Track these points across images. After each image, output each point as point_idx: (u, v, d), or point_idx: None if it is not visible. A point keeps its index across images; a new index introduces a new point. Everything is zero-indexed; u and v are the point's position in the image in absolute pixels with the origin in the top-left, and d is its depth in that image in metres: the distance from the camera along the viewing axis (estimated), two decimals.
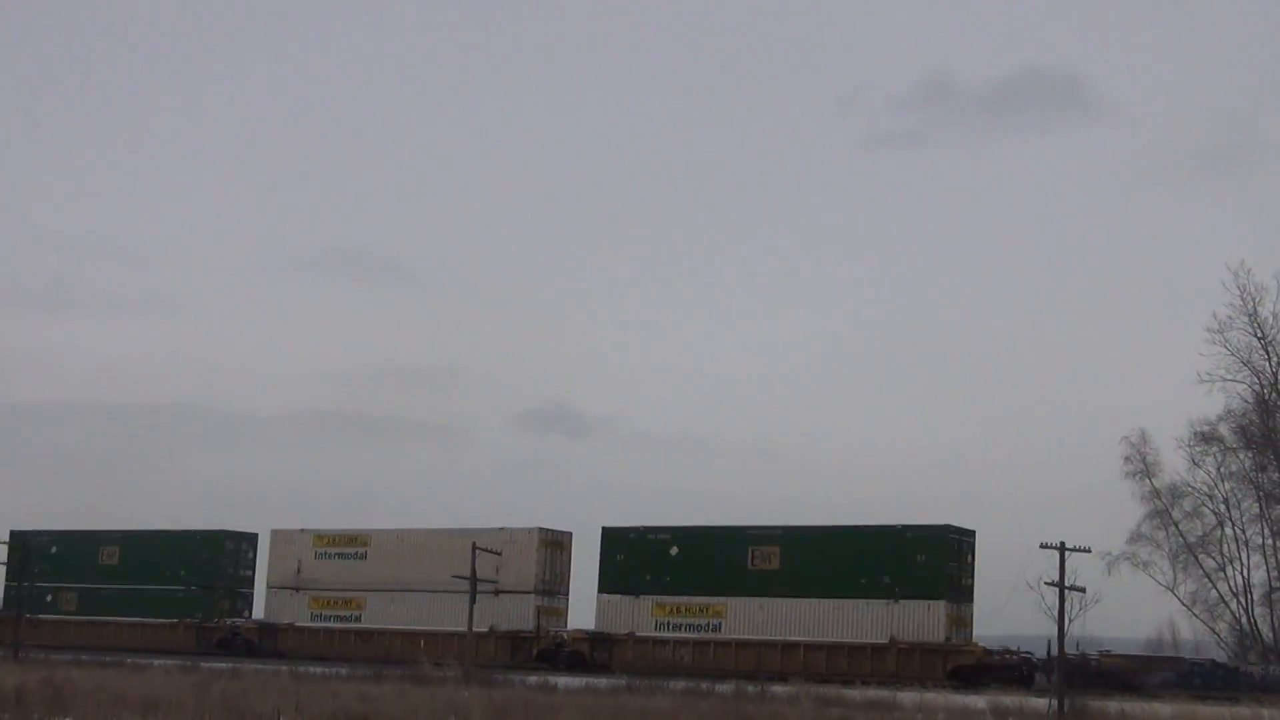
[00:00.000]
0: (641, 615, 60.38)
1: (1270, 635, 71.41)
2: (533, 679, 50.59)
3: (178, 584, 70.87)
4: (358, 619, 67.34)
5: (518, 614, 63.28)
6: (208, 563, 72.11)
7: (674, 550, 60.70)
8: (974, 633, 56.29)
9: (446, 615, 62.95)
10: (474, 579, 55.88)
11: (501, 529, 64.20)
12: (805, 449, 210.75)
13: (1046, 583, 44.65)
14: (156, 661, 55.62)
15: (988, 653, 54.75)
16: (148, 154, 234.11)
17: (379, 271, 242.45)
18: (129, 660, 57.71)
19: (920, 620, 55.39)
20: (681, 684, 47.68)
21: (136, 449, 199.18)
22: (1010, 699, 42.99)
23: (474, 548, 57.01)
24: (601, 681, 49.65)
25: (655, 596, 60.19)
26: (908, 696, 44.20)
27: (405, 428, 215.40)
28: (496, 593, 62.27)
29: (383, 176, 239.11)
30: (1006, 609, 46.13)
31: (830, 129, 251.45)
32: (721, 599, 58.70)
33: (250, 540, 73.69)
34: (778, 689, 46.28)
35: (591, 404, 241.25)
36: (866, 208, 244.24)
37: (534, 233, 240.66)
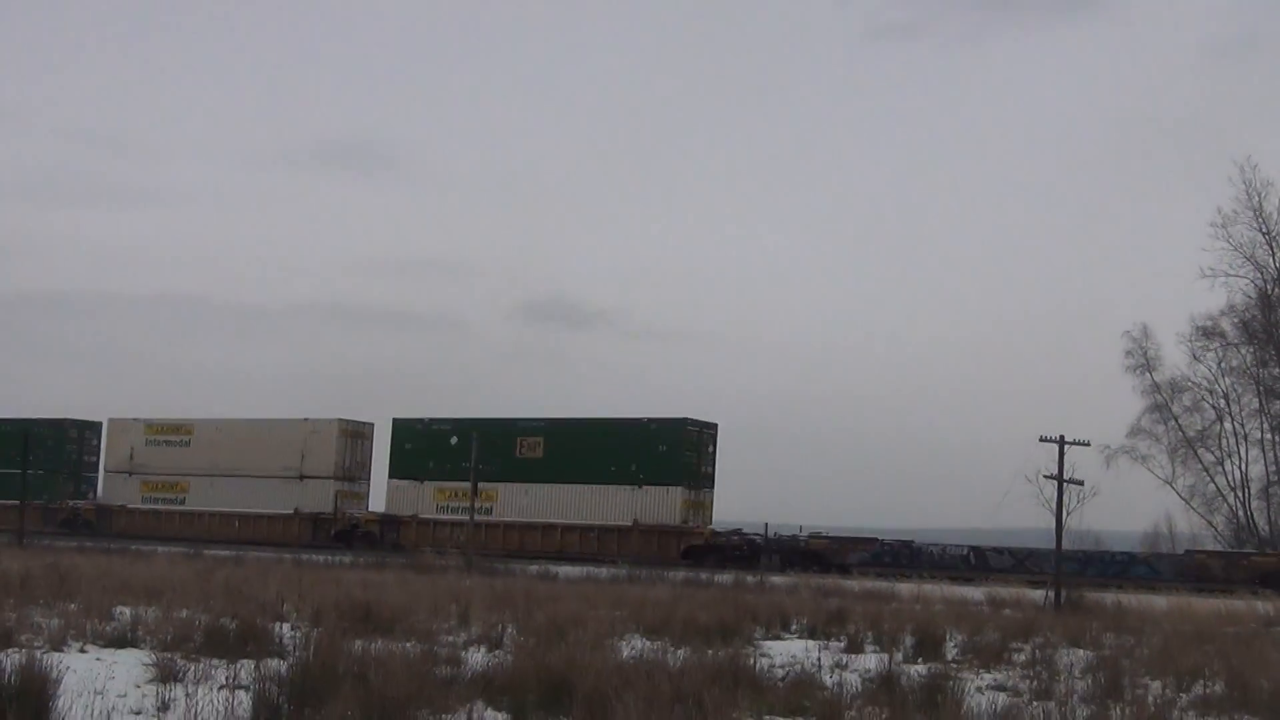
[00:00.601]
0: (425, 499, 66.21)
1: (1267, 528, 71.91)
2: (533, 568, 51.03)
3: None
4: (182, 502, 73.51)
5: (320, 498, 68.96)
6: (53, 449, 77.28)
7: (453, 440, 65.02)
8: (714, 516, 62.34)
9: (259, 499, 70.02)
10: None
11: (305, 420, 70.63)
12: (807, 343, 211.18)
13: (1045, 476, 44.82)
14: (162, 549, 56.15)
15: (716, 534, 61.18)
16: (149, 45, 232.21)
17: (379, 164, 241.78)
18: (133, 547, 58.30)
19: (659, 505, 61.43)
20: (681, 574, 48.10)
21: (136, 339, 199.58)
22: (1006, 590, 43.31)
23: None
24: (602, 570, 50.10)
25: (436, 482, 65.59)
26: (905, 587, 44.56)
27: (405, 320, 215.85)
28: (301, 478, 69.18)
29: (384, 69, 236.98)
30: (1005, 502, 46.29)
31: (829, 20, 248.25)
32: (493, 485, 62.48)
33: (95, 429, 78.99)
34: (777, 580, 46.64)
35: (591, 296, 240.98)
36: (866, 102, 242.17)
37: (534, 128, 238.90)
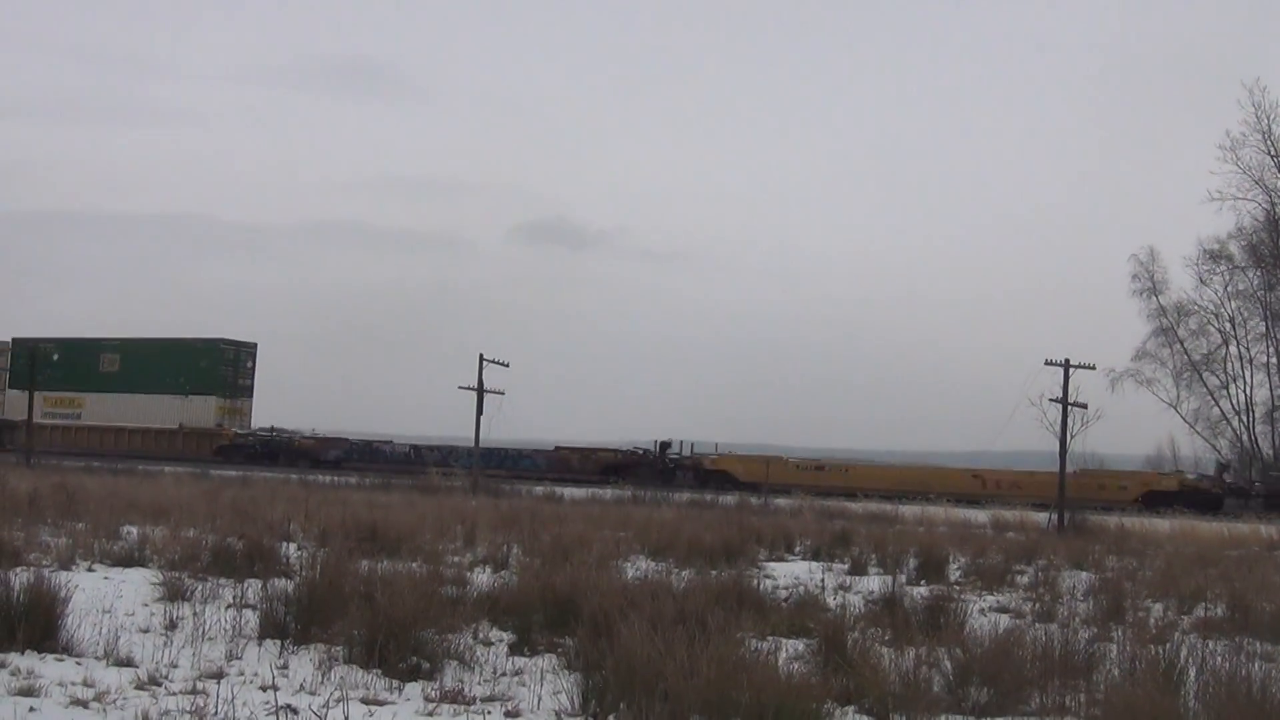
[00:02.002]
0: (37, 407, 72.86)
1: (1270, 453, 72.00)
2: (539, 489, 51.27)
3: None
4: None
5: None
6: None
7: (55, 356, 78.39)
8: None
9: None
10: None
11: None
12: (811, 264, 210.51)
13: (1050, 399, 44.90)
14: (168, 469, 56.39)
15: (238, 435, 76.07)
16: None
17: (382, 84, 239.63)
18: (140, 468, 58.55)
19: (200, 411, 77.41)
20: (686, 495, 48.34)
21: (142, 258, 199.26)
22: (1011, 513, 43.49)
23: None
24: (607, 493, 50.34)
25: (44, 392, 75.07)
26: (910, 510, 44.74)
27: (407, 238, 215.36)
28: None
29: None
30: (1010, 424, 46.42)
31: None
32: (82, 394, 79.90)
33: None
34: (781, 502, 46.84)
35: (591, 217, 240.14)
36: (869, 25, 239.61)
37: (537, 48, 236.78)
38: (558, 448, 72.53)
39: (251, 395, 79.90)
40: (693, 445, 68.35)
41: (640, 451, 68.80)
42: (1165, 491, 57.63)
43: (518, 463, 69.16)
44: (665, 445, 68.31)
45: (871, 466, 66.30)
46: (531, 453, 71.15)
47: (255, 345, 79.66)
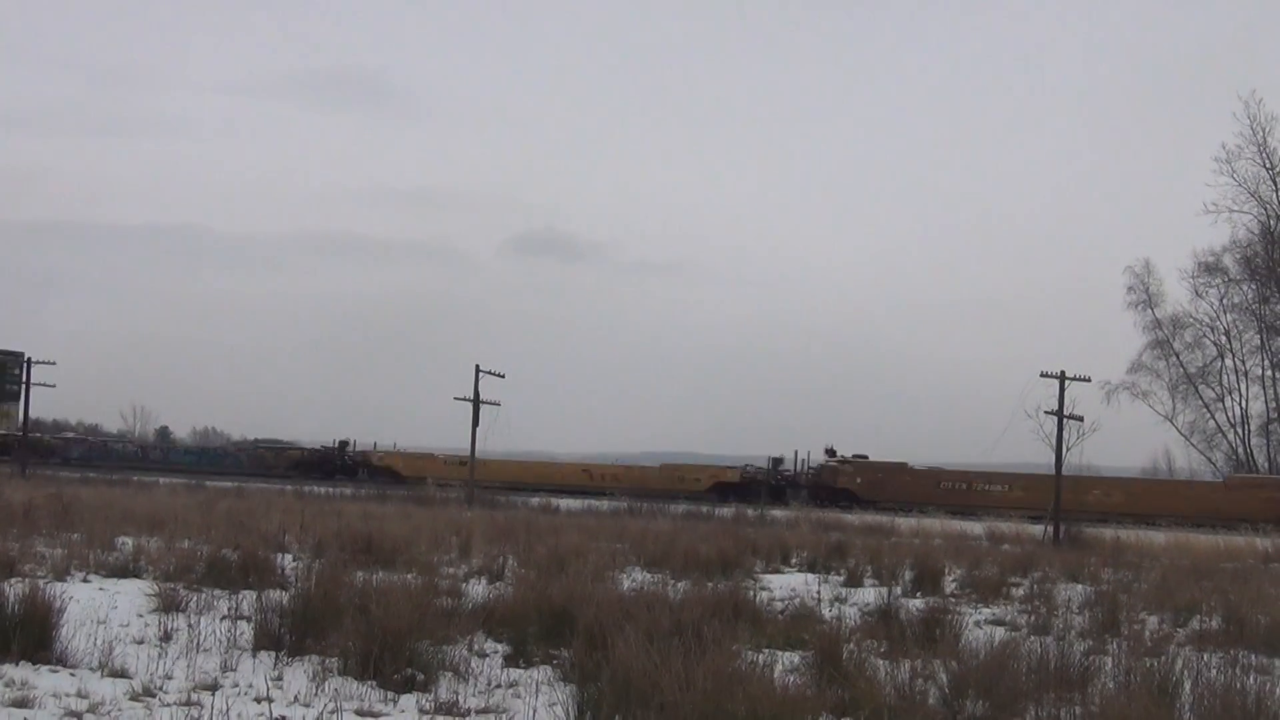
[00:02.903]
0: None
1: (1266, 465, 72.05)
2: (535, 500, 51.23)
3: None
4: None
5: None
6: None
7: None
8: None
9: None
10: None
11: None
12: (805, 275, 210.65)
13: (1045, 412, 44.90)
14: (163, 480, 56.36)
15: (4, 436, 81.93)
16: None
17: (375, 95, 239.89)
18: (135, 479, 58.56)
19: None
20: (682, 508, 48.33)
21: (134, 268, 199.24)
22: (1006, 525, 43.50)
23: None
24: (603, 504, 50.32)
25: None
26: (905, 522, 44.72)
27: (400, 250, 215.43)
28: None
29: (381, 1, 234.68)
30: (1006, 436, 46.45)
31: None
32: None
33: None
34: (777, 513, 46.83)
35: (584, 228, 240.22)
36: (862, 37, 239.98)
37: (530, 60, 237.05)
38: (257, 444, 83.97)
39: (18, 400, 78.99)
40: (375, 443, 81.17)
41: (326, 449, 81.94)
42: (729, 483, 67.27)
43: (220, 460, 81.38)
44: (344, 444, 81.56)
45: (505, 462, 75.27)
46: (234, 449, 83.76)
47: (23, 354, 77.93)
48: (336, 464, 79.31)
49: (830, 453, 65.43)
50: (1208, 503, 57.13)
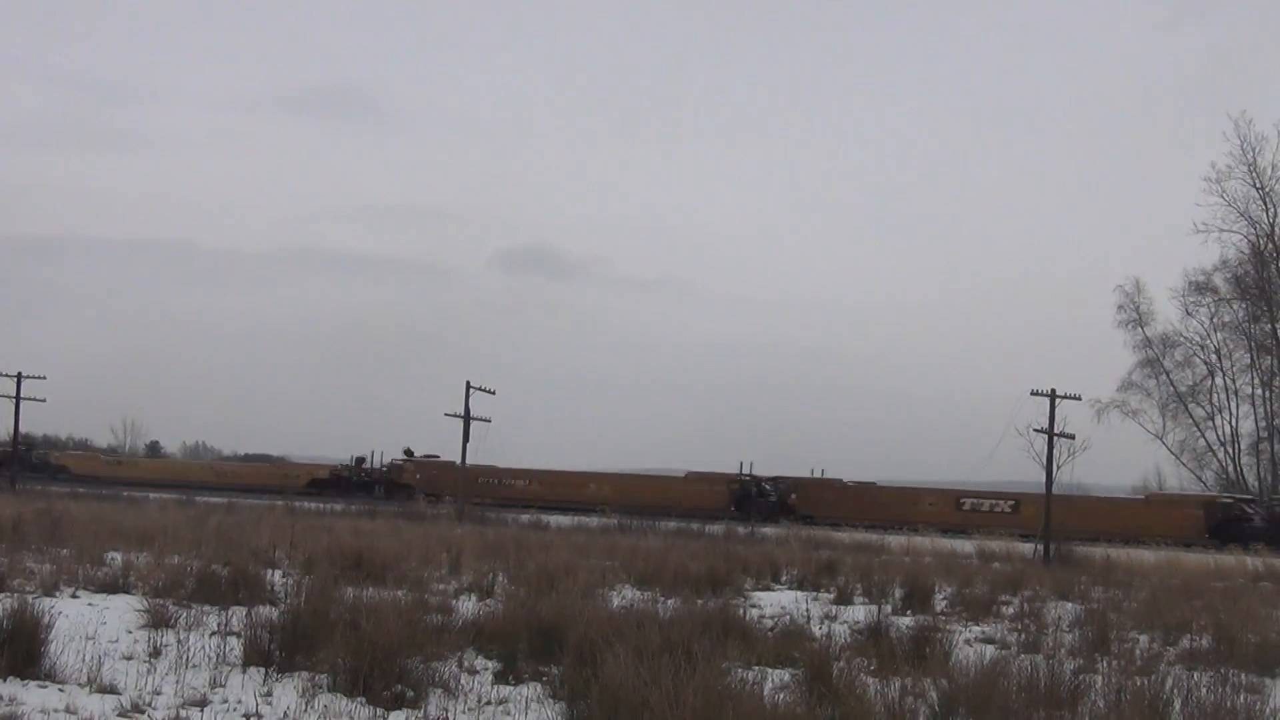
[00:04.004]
0: None
1: (1256, 484, 72.13)
2: (525, 517, 51.18)
3: None
4: None
5: None
6: None
7: None
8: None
9: None
10: None
11: None
12: (790, 293, 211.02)
13: (1036, 430, 44.96)
14: (153, 495, 56.25)
15: None
16: None
17: (362, 111, 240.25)
18: (125, 494, 58.42)
19: None
20: (672, 524, 48.31)
21: (120, 284, 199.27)
22: (995, 544, 43.53)
23: None
24: (592, 520, 50.29)
25: None
26: (896, 540, 44.78)
27: (387, 265, 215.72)
28: None
29: (367, 15, 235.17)
30: (996, 454, 46.49)
31: None
32: None
33: None
34: (768, 530, 46.81)
35: (572, 245, 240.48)
36: (846, 54, 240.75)
37: (518, 76, 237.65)
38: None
39: None
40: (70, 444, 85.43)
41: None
42: (322, 479, 75.86)
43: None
44: (30, 445, 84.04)
45: (157, 461, 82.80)
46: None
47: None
48: (28, 464, 79.95)
49: (408, 453, 75.42)
50: (1128, 519, 57.50)
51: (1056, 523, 51.43)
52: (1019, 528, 52.88)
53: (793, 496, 64.89)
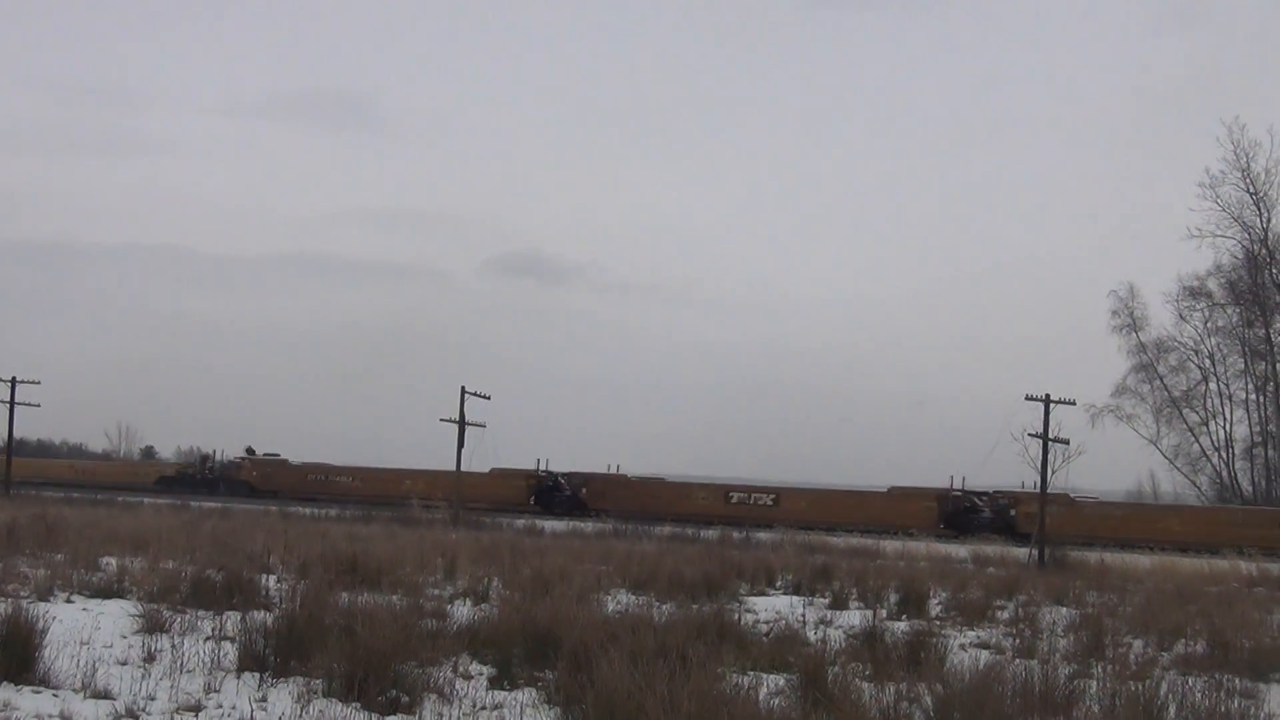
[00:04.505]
0: None
1: (1250, 489, 72.19)
2: (520, 522, 51.17)
3: None
4: None
5: None
6: None
7: None
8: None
9: None
10: None
11: None
12: (784, 298, 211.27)
13: (1030, 434, 44.98)
14: (148, 500, 56.20)
15: None
16: None
17: (356, 116, 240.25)
18: (120, 499, 58.40)
19: None
20: (668, 529, 48.32)
21: (115, 289, 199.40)
22: (991, 549, 43.55)
23: None
24: (588, 525, 50.30)
25: None
26: (891, 545, 44.80)
27: (380, 271, 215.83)
28: None
29: (362, 21, 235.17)
30: (991, 459, 46.52)
31: None
32: None
33: None
34: (763, 535, 46.82)
35: (565, 250, 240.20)
36: (834, 60, 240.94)
37: (510, 81, 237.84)
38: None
39: None
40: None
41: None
42: (170, 476, 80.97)
43: None
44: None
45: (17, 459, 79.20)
46: None
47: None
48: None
49: (250, 451, 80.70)
50: (872, 511, 61.91)
51: (809, 515, 60.46)
52: (778, 519, 58.27)
53: (583, 490, 69.30)
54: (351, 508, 58.50)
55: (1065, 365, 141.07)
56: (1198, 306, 74.78)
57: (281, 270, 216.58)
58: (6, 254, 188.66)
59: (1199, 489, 73.63)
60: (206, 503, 56.87)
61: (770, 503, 65.01)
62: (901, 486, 64.21)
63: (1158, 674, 13.63)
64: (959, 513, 60.52)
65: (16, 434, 70.11)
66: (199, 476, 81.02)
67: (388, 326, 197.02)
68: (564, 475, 70.95)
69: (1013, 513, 58.80)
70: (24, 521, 30.36)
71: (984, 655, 15.79)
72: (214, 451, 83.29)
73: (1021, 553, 43.15)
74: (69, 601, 17.88)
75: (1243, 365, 74.53)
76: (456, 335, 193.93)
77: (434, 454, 72.46)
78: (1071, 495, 57.24)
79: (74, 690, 11.27)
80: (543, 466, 71.35)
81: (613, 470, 70.05)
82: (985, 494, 61.40)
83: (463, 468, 58.08)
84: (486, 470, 67.00)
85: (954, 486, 61.63)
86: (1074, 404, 46.66)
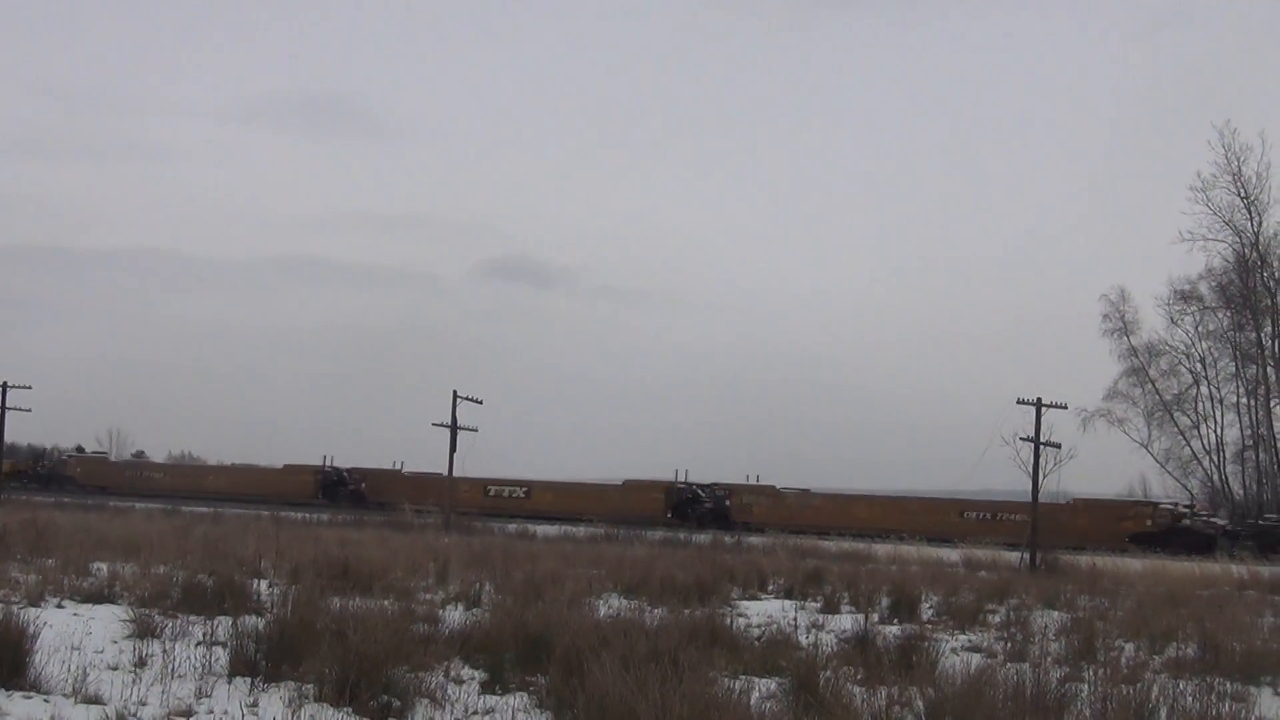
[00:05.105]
0: None
1: (1241, 493, 72.27)
2: (511, 527, 51.15)
3: None
4: None
5: None
6: None
7: None
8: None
9: None
10: None
11: None
12: (774, 302, 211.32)
13: (1022, 438, 45.02)
14: (138, 505, 56.15)
15: None
16: (119, 1, 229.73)
17: (347, 120, 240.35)
18: (110, 504, 58.33)
19: None
20: (660, 534, 48.30)
21: (108, 293, 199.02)
22: (982, 552, 43.58)
23: None
24: (580, 530, 50.28)
25: None
26: (882, 548, 44.82)
27: (371, 274, 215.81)
28: None
29: (354, 25, 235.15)
30: (982, 463, 46.55)
31: None
32: None
33: None
34: (753, 539, 46.83)
35: (554, 254, 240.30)
36: (824, 66, 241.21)
37: (499, 86, 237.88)
38: None
39: None
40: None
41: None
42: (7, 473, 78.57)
43: None
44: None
45: None
46: None
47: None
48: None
49: (79, 449, 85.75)
50: (610, 503, 67.54)
51: (555, 507, 68.60)
52: (528, 511, 67.61)
53: (363, 485, 76.93)
54: (161, 501, 64.44)
55: (1057, 369, 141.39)
56: (1189, 310, 74.85)
57: (273, 274, 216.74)
58: (1, 258, 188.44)
59: (1190, 492, 73.69)
60: (198, 507, 56.86)
61: (523, 495, 72.48)
62: (635, 480, 71.15)
63: (1149, 677, 13.65)
64: (684, 503, 67.94)
65: (8, 438, 69.76)
66: (30, 473, 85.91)
67: (379, 329, 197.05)
68: (348, 470, 77.83)
69: (727, 503, 67.16)
70: (14, 527, 30.29)
71: (975, 659, 15.80)
72: (48, 449, 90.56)
73: (1014, 556, 43.19)
74: (60, 607, 17.84)
75: (1234, 369, 74.61)
76: (448, 339, 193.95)
77: (430, 456, 72.81)
78: (776, 487, 66.20)
79: (65, 696, 11.24)
80: (327, 462, 77.61)
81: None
82: (706, 486, 69.30)
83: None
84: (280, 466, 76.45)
85: (679, 480, 69.22)
86: (1065, 408, 46.73)
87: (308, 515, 54.38)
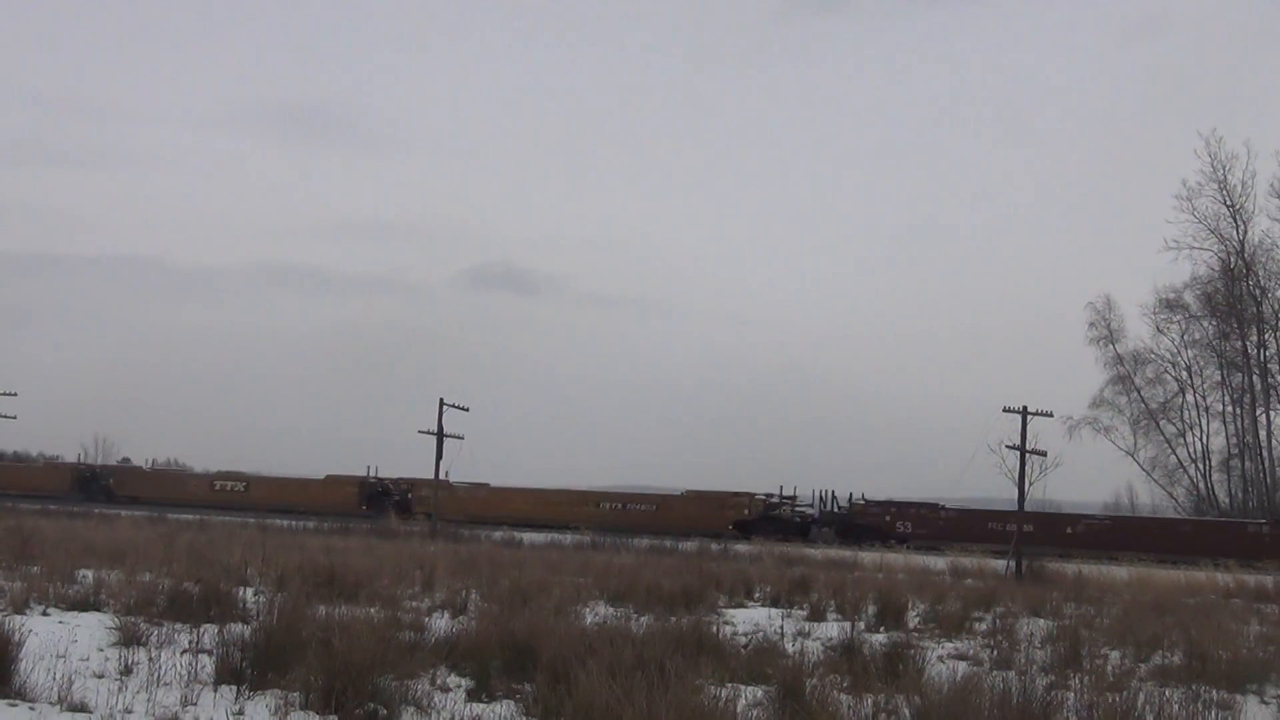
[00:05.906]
0: None
1: (1227, 500, 72.49)
2: (498, 534, 51.10)
3: None
4: None
5: None
6: None
7: None
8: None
9: None
10: None
11: None
12: (760, 310, 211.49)
13: (1008, 446, 45.11)
14: (124, 513, 55.97)
15: None
16: (106, 8, 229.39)
17: (332, 129, 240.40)
18: (96, 511, 58.18)
19: None
20: (646, 542, 48.31)
21: (95, 301, 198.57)
22: (968, 560, 43.65)
23: None
24: (566, 538, 50.24)
25: None
26: (868, 556, 44.86)
27: (356, 282, 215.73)
28: None
29: (339, 34, 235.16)
30: (969, 471, 46.65)
31: None
32: None
33: None
34: (741, 548, 46.84)
35: (538, 262, 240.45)
36: (817, 68, 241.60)
37: (485, 95, 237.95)
38: None
39: None
40: None
41: None
42: None
43: None
44: None
45: None
46: None
47: None
48: None
49: None
50: (314, 496, 75.36)
51: (272, 499, 74.31)
52: (250, 503, 73.19)
53: (110, 480, 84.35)
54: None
55: (1044, 376, 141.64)
56: (1175, 318, 75.24)
57: (257, 282, 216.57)
58: None
59: (1176, 500, 73.94)
60: (184, 514, 56.73)
61: (243, 489, 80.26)
62: (335, 475, 78.70)
63: (1135, 685, 13.67)
64: (374, 496, 75.22)
65: None
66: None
67: (363, 337, 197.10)
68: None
69: (409, 495, 74.73)
70: None
71: (962, 667, 15.83)
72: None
73: (1000, 564, 43.25)
74: (45, 614, 17.78)
75: (1219, 377, 74.91)
76: (432, 346, 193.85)
77: (415, 462, 73.02)
78: (451, 482, 67.98)
79: (50, 703, 11.21)
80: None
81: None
82: (394, 481, 77.22)
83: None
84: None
85: (370, 476, 76.95)
86: (1051, 415, 46.86)
87: (293, 523, 54.29)
